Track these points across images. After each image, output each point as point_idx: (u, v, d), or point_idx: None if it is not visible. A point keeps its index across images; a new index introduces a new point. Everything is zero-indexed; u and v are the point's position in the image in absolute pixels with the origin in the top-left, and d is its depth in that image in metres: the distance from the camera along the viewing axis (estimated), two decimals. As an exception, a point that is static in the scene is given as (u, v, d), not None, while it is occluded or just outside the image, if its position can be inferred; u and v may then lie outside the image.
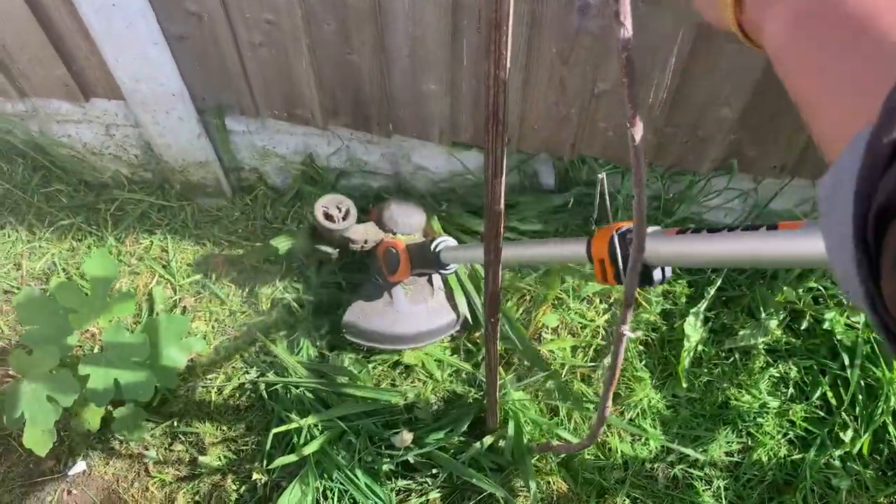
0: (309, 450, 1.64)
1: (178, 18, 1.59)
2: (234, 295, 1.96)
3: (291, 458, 1.64)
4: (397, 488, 1.68)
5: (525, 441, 1.67)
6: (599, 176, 0.92)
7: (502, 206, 0.97)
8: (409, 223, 1.79)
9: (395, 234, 1.77)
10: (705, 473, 1.73)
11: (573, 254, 1.10)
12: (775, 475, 1.73)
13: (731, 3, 0.56)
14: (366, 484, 1.64)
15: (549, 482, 1.69)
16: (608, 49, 1.49)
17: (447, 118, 1.70)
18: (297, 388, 1.75)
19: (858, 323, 1.76)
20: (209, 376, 1.84)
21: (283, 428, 1.68)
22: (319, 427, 1.70)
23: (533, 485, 1.62)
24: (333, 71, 1.66)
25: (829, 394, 1.77)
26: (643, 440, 1.75)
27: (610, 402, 1.22)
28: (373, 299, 1.78)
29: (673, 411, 1.77)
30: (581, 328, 1.83)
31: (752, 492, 1.71)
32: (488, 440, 1.68)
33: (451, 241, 1.61)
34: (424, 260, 1.62)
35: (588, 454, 1.72)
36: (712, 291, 1.80)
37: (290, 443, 1.71)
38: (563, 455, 1.68)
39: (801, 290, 1.78)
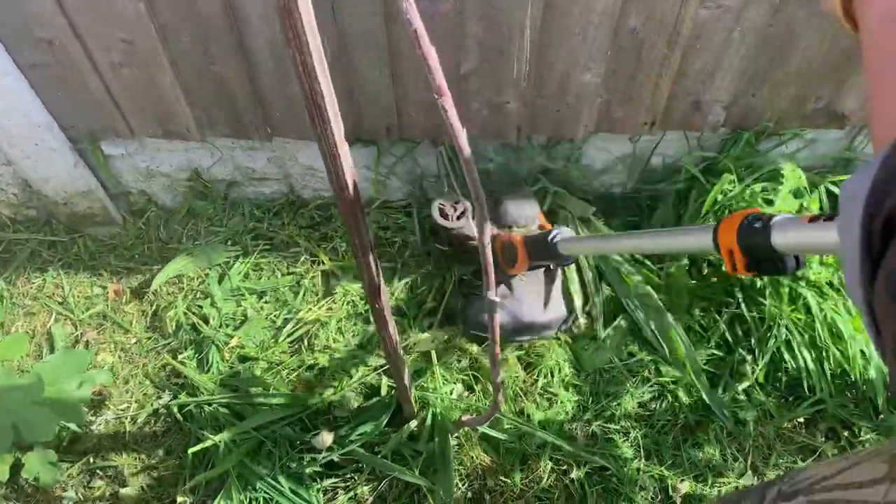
0: (228, 464, 1.63)
1: (28, 46, 1.55)
2: (138, 322, 1.92)
3: (210, 474, 1.63)
4: (324, 488, 1.68)
5: (444, 422, 1.70)
6: (439, 149, 0.94)
7: (352, 191, 0.98)
8: (522, 215, 1.80)
9: (510, 227, 1.78)
10: (622, 426, 1.79)
11: (697, 243, 1.06)
12: (687, 417, 1.80)
13: None
14: (290, 489, 1.64)
15: (472, 458, 1.72)
16: (464, 30, 1.52)
17: (323, 116, 1.70)
18: (209, 405, 1.74)
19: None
20: (121, 407, 1.81)
21: (199, 447, 1.66)
22: (237, 441, 1.68)
23: (453, 467, 1.65)
24: (200, 82, 1.64)
25: (728, 334, 1.85)
26: (559, 403, 1.79)
27: (499, 370, 1.26)
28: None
29: (583, 373, 1.83)
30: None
31: (668, 436, 1.77)
32: (407, 429, 1.70)
33: (568, 232, 1.58)
34: (542, 252, 1.60)
35: (508, 424, 1.75)
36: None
37: (210, 461, 1.70)
38: (480, 430, 1.71)
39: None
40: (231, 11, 1.47)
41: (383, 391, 1.77)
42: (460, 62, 1.60)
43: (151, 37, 1.52)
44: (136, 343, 1.89)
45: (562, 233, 1.55)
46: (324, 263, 1.96)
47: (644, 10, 1.51)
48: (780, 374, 1.83)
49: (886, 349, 0.35)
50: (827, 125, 1.80)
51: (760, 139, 1.84)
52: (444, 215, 1.76)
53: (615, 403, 1.80)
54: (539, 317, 1.78)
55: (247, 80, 1.62)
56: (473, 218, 1.75)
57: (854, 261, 0.37)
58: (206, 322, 1.87)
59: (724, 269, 0.98)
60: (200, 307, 1.90)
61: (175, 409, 1.76)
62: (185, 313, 1.89)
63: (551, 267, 1.80)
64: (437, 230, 1.82)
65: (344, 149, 0.94)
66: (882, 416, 1.78)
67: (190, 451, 1.67)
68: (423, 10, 1.47)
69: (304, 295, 1.92)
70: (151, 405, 1.80)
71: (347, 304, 1.91)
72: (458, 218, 1.76)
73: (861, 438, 1.76)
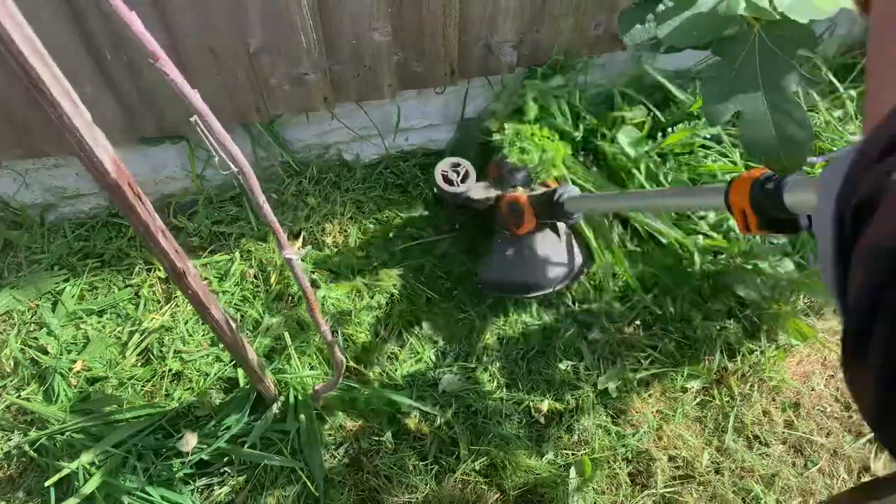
0: (90, 488, 1.58)
1: None
2: (-29, 368, 1.82)
3: (71, 501, 1.58)
4: (198, 488, 1.67)
5: (305, 399, 1.72)
6: (191, 119, 0.94)
7: (115, 175, 0.97)
8: (524, 175, 1.83)
9: (515, 187, 1.80)
10: (481, 362, 1.87)
11: (710, 203, 1.11)
12: (537, 345, 1.90)
13: None
14: (161, 497, 1.61)
15: (341, 425, 1.75)
16: (243, 5, 1.51)
17: (119, 118, 1.66)
18: (62, 434, 1.68)
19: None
20: (-33, 460, 1.71)
21: (55, 478, 1.60)
22: (97, 462, 1.64)
23: (320, 440, 1.68)
24: (-26, 105, 1.56)
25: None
26: (418, 357, 1.85)
27: (325, 327, 1.29)
28: (504, 253, 1.81)
29: (437, 317, 1.90)
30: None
31: (522, 363, 1.87)
32: (270, 413, 1.71)
33: (575, 190, 1.62)
34: (549, 211, 1.65)
35: (375, 385, 1.79)
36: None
37: (74, 488, 1.64)
38: (344, 396, 1.75)
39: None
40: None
41: (242, 382, 1.76)
42: (248, 40, 1.59)
43: None
44: (-29, 391, 1.79)
45: (568, 191, 1.60)
46: (160, 270, 1.92)
47: (411, -37, 1.56)
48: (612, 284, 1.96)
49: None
50: (611, 48, 1.93)
51: (557, 72, 1.95)
52: (447, 181, 1.80)
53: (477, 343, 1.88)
54: (554, 272, 1.82)
55: (24, 93, 1.55)
56: (478, 179, 1.83)
57: (827, 245, 0.38)
58: (46, 353, 1.80)
59: (736, 228, 1.06)
60: (37, 339, 1.82)
61: (27, 447, 1.69)
62: (21, 349, 1.81)
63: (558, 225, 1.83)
64: (444, 197, 1.86)
65: (93, 133, 0.93)
66: (708, 303, 1.95)
67: (47, 483, 1.61)
68: (192, -7, 1.46)
69: (145, 305, 1.88)
70: (1, 449, 1.71)
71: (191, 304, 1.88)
72: (463, 181, 1.81)
73: (694, 324, 1.91)
